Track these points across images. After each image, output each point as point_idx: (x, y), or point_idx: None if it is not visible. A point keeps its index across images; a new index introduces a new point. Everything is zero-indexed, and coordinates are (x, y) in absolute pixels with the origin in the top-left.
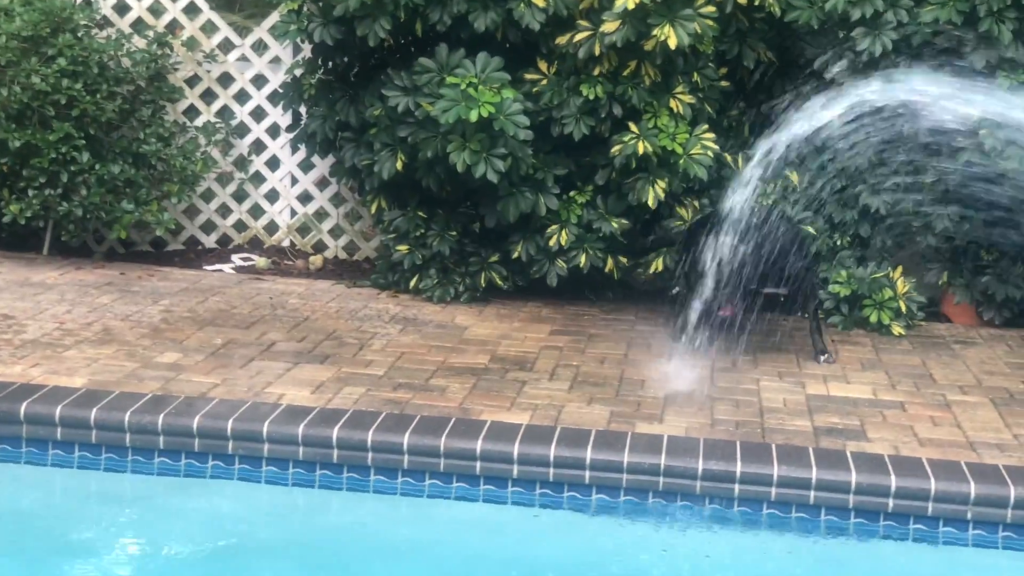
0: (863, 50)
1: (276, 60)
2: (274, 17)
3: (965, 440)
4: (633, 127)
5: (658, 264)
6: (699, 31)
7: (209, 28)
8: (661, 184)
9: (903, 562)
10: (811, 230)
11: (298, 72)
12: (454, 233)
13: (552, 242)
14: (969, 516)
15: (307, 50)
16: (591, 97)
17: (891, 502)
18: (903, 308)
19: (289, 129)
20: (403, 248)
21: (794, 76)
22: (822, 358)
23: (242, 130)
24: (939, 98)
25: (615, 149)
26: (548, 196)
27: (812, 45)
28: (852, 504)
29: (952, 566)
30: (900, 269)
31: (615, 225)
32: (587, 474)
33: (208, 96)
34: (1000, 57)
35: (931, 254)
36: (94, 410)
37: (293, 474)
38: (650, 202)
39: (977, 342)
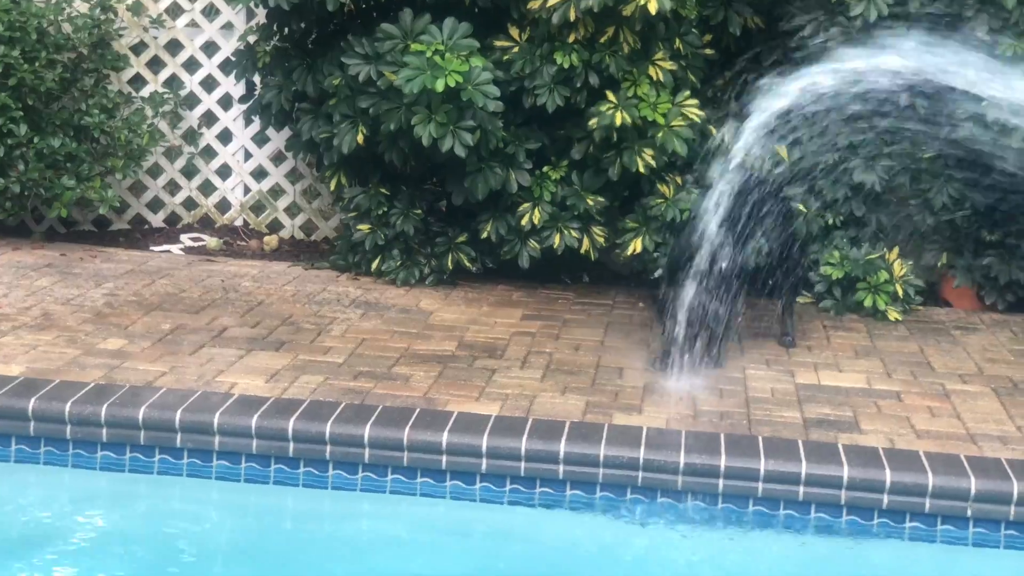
0: (856, 15)
1: (228, 26)
2: None
3: (965, 432)
4: (611, 97)
5: (636, 245)
6: None
7: None
8: (648, 152)
9: (899, 562)
10: (801, 208)
11: (252, 39)
12: (419, 211)
13: (524, 221)
14: (969, 513)
15: (261, 15)
16: (566, 65)
17: (886, 498)
18: (899, 292)
19: (242, 100)
20: (364, 227)
21: (784, 43)
22: (786, 339)
23: (192, 101)
24: (929, 72)
25: (592, 120)
26: (520, 172)
27: (802, 10)
28: (844, 500)
29: (951, 566)
30: (896, 250)
31: (591, 203)
32: (561, 468)
33: (155, 64)
34: (1004, 22)
35: (929, 234)
36: (32, 400)
37: (246, 469)
38: (641, 169)
39: (979, 328)
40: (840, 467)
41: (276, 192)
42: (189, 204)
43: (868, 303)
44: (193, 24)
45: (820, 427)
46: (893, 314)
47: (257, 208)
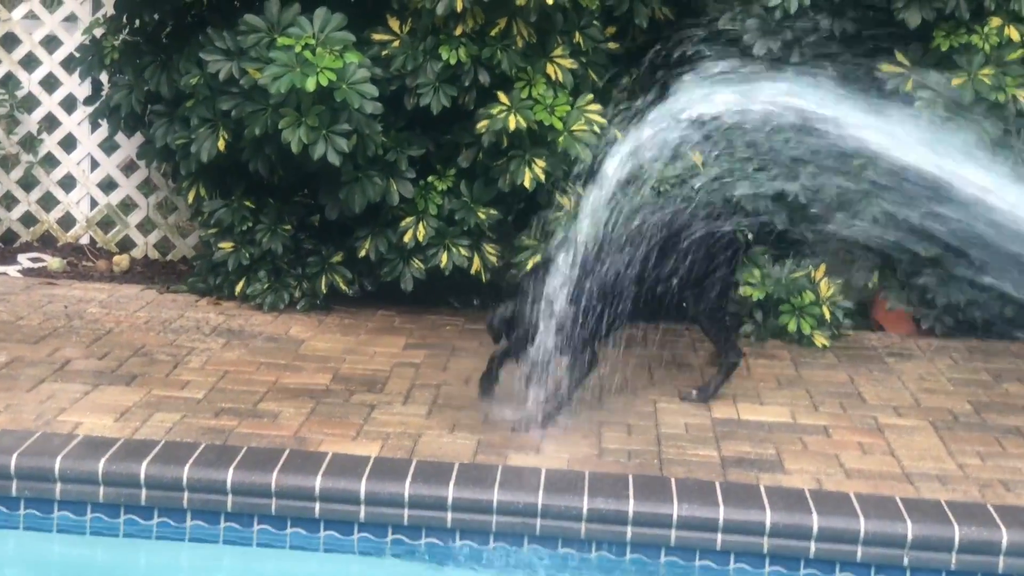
0: (775, 6)
1: (72, 17)
2: None
3: (900, 471)
4: (503, 98)
5: (535, 263)
6: None
7: None
8: (540, 163)
9: None
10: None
11: (98, 32)
12: (288, 227)
13: (407, 237)
14: (906, 562)
15: (109, 5)
16: (452, 62)
17: (813, 546)
18: (827, 315)
19: (88, 101)
20: (226, 245)
21: (696, 36)
22: (694, 394)
23: (30, 103)
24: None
25: (481, 124)
26: (402, 182)
27: (716, 0)
28: (767, 549)
29: None
30: (823, 268)
31: (483, 216)
32: (449, 516)
33: None
34: (938, 13)
35: (859, 250)
36: None
37: (92, 520)
38: (527, 184)
39: (915, 355)
40: (762, 511)
41: (127, 206)
42: (28, 220)
43: (792, 327)
44: (31, 15)
45: (739, 467)
46: (820, 339)
47: (105, 224)
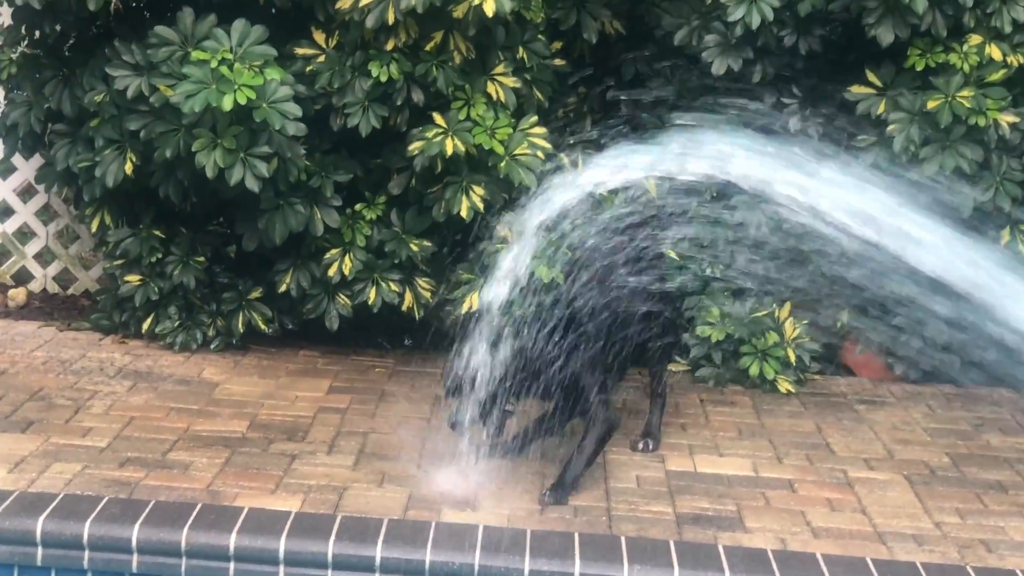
0: (736, 21)
1: None
2: None
3: (872, 530)
4: (439, 119)
5: (472, 300)
6: None
7: None
8: (478, 191)
9: None
10: (672, 254)
11: None
12: (202, 259)
13: (332, 271)
14: None
15: (6, 15)
16: (383, 79)
17: None
18: (792, 358)
19: None
20: (134, 279)
21: (650, 52)
22: (639, 445)
23: None
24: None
25: (414, 147)
26: (326, 210)
27: (671, 13)
28: None
29: None
30: (788, 307)
31: (415, 248)
32: None
33: None
34: (913, 29)
35: (826, 287)
36: None
37: None
38: (464, 213)
39: (887, 402)
40: (721, 574)
41: (24, 234)
42: None
43: (754, 371)
44: None
45: (696, 524)
46: (785, 385)
47: (0, 254)
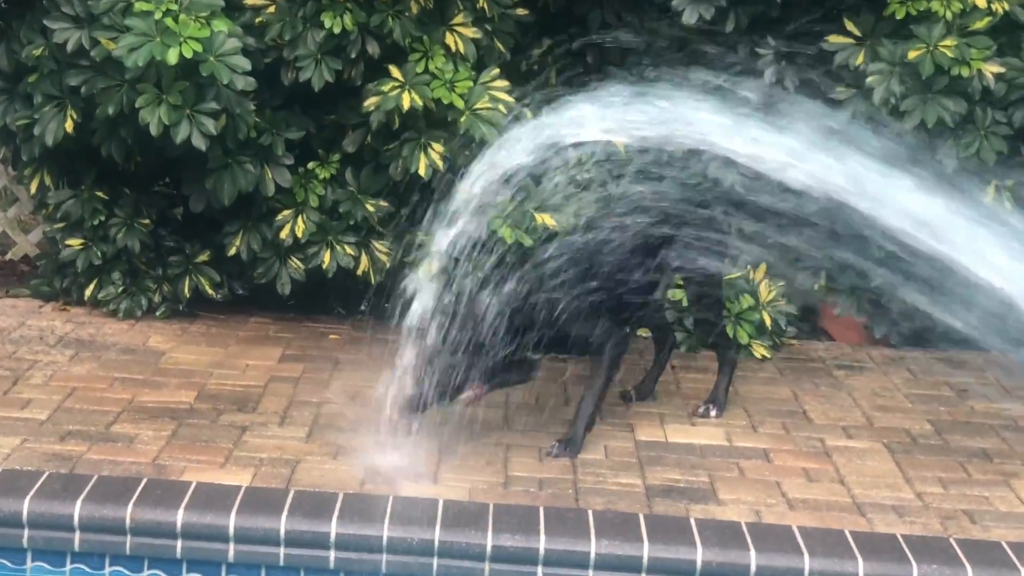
0: None
1: None
2: None
3: (851, 501)
4: (395, 72)
5: (431, 266)
6: None
7: None
8: (437, 148)
9: None
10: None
11: None
12: (147, 222)
13: (284, 234)
14: None
15: None
16: (336, 30)
17: None
18: (768, 321)
19: None
20: (75, 242)
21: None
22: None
23: None
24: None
25: (370, 102)
26: (278, 169)
27: None
28: None
29: None
30: (764, 268)
31: (371, 209)
32: (332, 556)
33: None
34: None
35: (803, 248)
36: None
37: None
38: (422, 171)
39: (867, 367)
40: (692, 548)
41: None
42: None
43: (728, 335)
44: None
45: (667, 497)
46: (760, 350)
47: None
